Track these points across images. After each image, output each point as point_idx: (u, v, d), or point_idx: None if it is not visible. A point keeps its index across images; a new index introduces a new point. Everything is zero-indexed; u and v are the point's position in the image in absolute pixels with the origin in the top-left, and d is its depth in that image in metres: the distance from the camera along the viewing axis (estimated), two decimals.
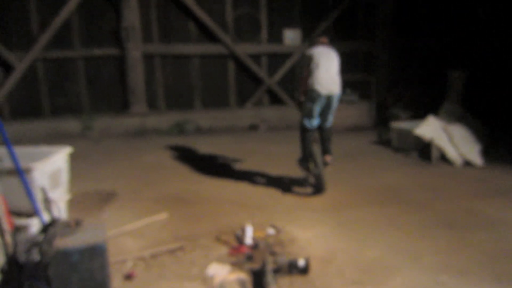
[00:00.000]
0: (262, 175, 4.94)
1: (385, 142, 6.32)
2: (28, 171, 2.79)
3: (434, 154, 5.23)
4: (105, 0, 7.27)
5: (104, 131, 7.33)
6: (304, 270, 2.74)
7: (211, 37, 7.75)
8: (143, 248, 3.19)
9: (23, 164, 2.81)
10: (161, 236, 3.39)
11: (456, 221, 3.57)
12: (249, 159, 5.63)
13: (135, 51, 7.35)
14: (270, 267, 2.69)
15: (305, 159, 4.41)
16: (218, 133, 7.48)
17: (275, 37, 8.10)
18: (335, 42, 8.15)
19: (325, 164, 4.33)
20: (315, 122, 4.33)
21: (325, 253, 3.04)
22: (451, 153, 5.17)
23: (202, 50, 7.76)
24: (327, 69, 4.11)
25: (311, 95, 4.13)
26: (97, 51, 7.44)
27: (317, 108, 4.19)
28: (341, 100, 7.25)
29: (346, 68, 8.51)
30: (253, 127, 7.77)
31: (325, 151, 4.40)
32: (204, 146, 6.47)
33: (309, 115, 4.27)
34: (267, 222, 3.56)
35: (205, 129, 7.73)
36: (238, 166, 5.33)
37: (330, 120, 4.40)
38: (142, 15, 7.45)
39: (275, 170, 5.10)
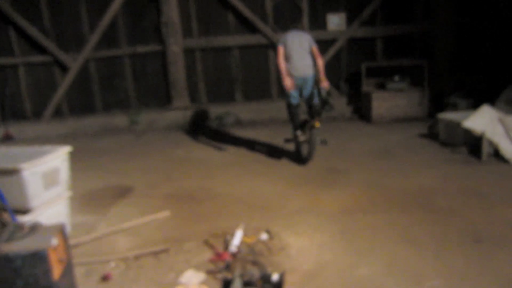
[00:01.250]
0: (285, 171, 4.63)
1: (434, 136, 5.55)
2: (16, 171, 2.89)
3: (485, 149, 4.42)
4: None
5: (149, 125, 7.57)
6: (278, 286, 2.44)
7: (250, 27, 7.51)
8: (132, 248, 3.15)
9: (14, 164, 2.93)
10: (154, 236, 3.32)
11: (490, 236, 2.93)
12: (278, 154, 5.35)
13: (175, 46, 7.42)
14: (239, 280, 2.45)
15: (295, 130, 4.91)
16: (258, 126, 7.26)
17: (318, 23, 7.58)
18: (383, 25, 7.48)
19: (313, 127, 4.75)
20: (295, 99, 4.95)
21: (312, 266, 2.70)
22: (507, 148, 4.32)
23: (241, 41, 7.55)
24: (300, 55, 4.75)
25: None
26: (141, 48, 7.66)
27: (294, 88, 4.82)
28: (388, 88, 6.64)
29: (397, 53, 7.78)
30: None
31: (312, 116, 4.81)
32: (239, 139, 6.32)
33: (289, 94, 4.89)
34: (265, 226, 3.28)
35: (245, 122, 7.57)
36: (264, 161, 5.08)
37: (314, 96, 4.86)
38: (181, 10, 7.48)
39: (299, 168, 4.75)
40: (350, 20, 7.49)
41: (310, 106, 4.88)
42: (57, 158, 3.31)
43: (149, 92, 7.93)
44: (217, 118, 7.56)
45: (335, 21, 7.51)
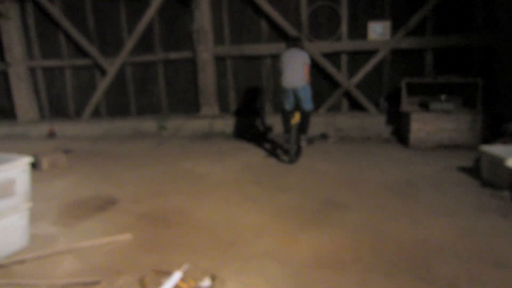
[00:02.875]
0: (279, 198, 4.02)
1: (478, 171, 4.49)
2: None
3: None
4: (181, 4, 7.25)
5: (176, 132, 7.40)
6: None
7: (284, 36, 6.93)
8: (72, 274, 2.82)
9: None
10: (100, 262, 2.96)
11: None
12: (285, 177, 4.74)
13: (205, 53, 7.14)
14: None
15: (286, 132, 5.48)
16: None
17: (358, 31, 6.75)
18: (434, 35, 6.38)
19: (298, 142, 5.45)
20: (287, 106, 5.48)
21: None
22: None
23: (274, 49, 7.01)
24: (287, 69, 5.29)
25: (280, 89, 5.50)
26: (173, 54, 7.52)
27: (286, 98, 5.44)
28: (431, 109, 5.64)
29: (449, 68, 6.58)
30: (323, 136, 6.68)
31: (300, 130, 5.50)
32: (253, 154, 5.81)
33: (282, 102, 5.54)
34: (216, 268, 2.74)
35: (272, 135, 7.03)
36: (265, 183, 4.51)
37: (306, 105, 5.43)
38: (213, 17, 7.19)
39: (295, 197, 4.10)
40: (395, 29, 6.56)
41: (300, 112, 5.46)
42: (12, 169, 3.13)
43: (179, 99, 7.77)
44: (242, 128, 7.14)
45: (378, 30, 6.62)
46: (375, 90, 6.89)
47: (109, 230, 3.47)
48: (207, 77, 7.23)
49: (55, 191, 4.57)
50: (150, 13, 7.29)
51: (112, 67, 7.72)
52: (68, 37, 7.89)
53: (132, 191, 4.45)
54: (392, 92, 6.69)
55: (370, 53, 6.69)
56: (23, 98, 8.19)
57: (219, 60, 7.35)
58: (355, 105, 6.97)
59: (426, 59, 6.49)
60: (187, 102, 7.67)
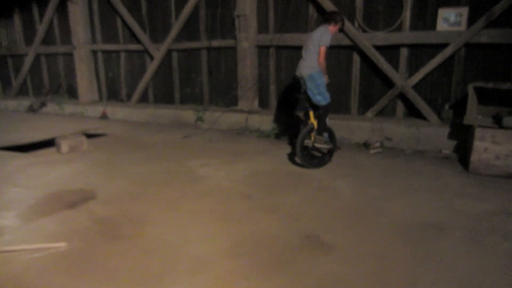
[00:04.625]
0: (259, 225, 3.25)
1: None
2: None
3: None
4: None
5: (212, 124, 6.95)
6: None
7: None
8: None
9: None
10: (11, 273, 2.62)
11: None
12: (285, 193, 3.92)
13: (245, 42, 6.45)
14: None
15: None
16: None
17: (425, 20, 5.34)
18: None
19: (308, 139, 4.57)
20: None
21: None
22: None
23: None
24: (304, 53, 4.55)
25: None
26: (216, 42, 6.99)
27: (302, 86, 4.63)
28: (505, 124, 4.20)
29: None
30: (366, 145, 5.54)
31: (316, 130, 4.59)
32: (273, 157, 5.03)
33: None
34: None
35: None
36: (257, 200, 3.75)
37: (316, 99, 4.48)
38: (258, 2, 6.42)
39: (282, 225, 3.27)
40: (473, 18, 5.02)
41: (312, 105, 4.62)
42: None
43: (220, 90, 7.24)
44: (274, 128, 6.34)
45: (451, 19, 5.15)
46: (441, 94, 5.43)
47: (57, 233, 3.16)
48: (246, 68, 6.55)
49: (51, 178, 4.45)
50: None
51: (158, 53, 7.53)
52: (124, 22, 7.91)
53: (117, 189, 4.09)
54: (461, 99, 5.20)
55: (438, 48, 5.26)
56: (84, 80, 8.55)
57: (262, 49, 6.60)
58: (413, 111, 5.62)
59: None
60: (228, 94, 7.12)
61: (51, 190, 4.08)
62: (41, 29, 8.97)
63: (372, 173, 4.47)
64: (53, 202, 3.78)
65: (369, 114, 5.85)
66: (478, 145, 4.34)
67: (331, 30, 4.45)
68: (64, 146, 5.41)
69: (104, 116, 8.19)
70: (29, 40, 9.43)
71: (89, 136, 6.39)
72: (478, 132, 4.34)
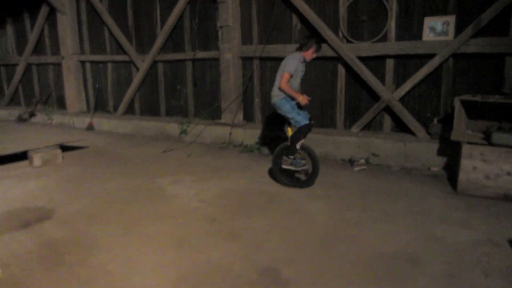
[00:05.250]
0: (214, 253, 2.92)
1: None
2: None
3: None
4: (212, 0, 6.40)
5: (196, 137, 6.65)
6: None
7: (318, 35, 5.58)
8: None
9: None
10: None
11: None
12: (253, 216, 3.59)
13: (228, 53, 6.18)
14: None
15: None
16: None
17: (411, 30, 5.02)
18: None
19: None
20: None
21: None
22: None
23: None
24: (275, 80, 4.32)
25: None
26: (200, 53, 6.74)
27: None
28: (493, 141, 3.85)
29: None
30: (351, 162, 5.19)
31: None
32: (252, 175, 4.71)
33: None
34: None
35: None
36: (221, 223, 3.43)
37: (293, 122, 4.22)
38: (242, 13, 6.17)
39: (238, 256, 2.94)
40: (461, 27, 4.70)
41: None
42: None
43: (205, 102, 6.96)
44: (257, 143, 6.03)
45: (437, 28, 4.82)
46: (429, 107, 5.09)
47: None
48: (229, 80, 6.27)
49: (14, 194, 4.19)
50: (179, 6, 6.62)
51: (143, 64, 7.30)
52: (111, 32, 7.72)
53: (79, 207, 3.81)
54: (451, 112, 4.84)
55: (425, 58, 4.94)
56: (72, 90, 8.35)
57: (246, 61, 6.33)
58: (401, 126, 5.27)
59: (506, 68, 4.48)
60: (210, 106, 6.84)
61: (9, 208, 3.81)
62: (31, 39, 8.84)
63: (352, 194, 4.12)
64: (6, 221, 3.50)
65: (354, 129, 5.51)
66: (466, 163, 3.98)
67: (304, 55, 4.20)
68: (37, 159, 5.16)
69: (90, 128, 7.96)
70: (21, 50, 9.29)
71: (69, 148, 6.16)
72: (465, 149, 3.98)
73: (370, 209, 3.69)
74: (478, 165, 3.92)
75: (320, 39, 5.38)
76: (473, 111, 4.43)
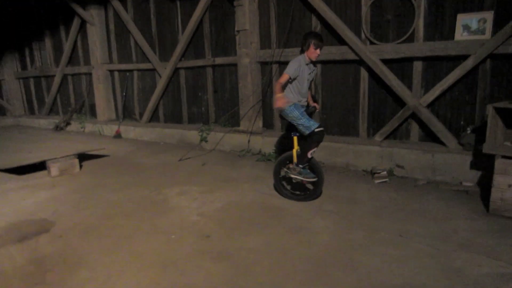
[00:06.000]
0: (196, 277, 2.75)
1: None
2: None
3: None
4: (229, 1, 6.28)
5: (216, 145, 6.57)
6: None
7: (338, 38, 5.26)
8: None
9: None
10: None
11: None
12: (251, 234, 3.38)
13: (245, 58, 6.03)
14: None
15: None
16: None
17: (441, 29, 4.55)
18: None
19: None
20: None
21: None
22: None
23: (323, 54, 5.39)
24: None
25: None
26: (220, 59, 6.65)
27: None
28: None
29: None
30: (372, 173, 4.80)
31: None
32: (262, 186, 4.50)
33: None
34: None
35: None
36: (213, 242, 3.26)
37: (300, 131, 3.97)
38: (259, 17, 5.99)
39: (217, 279, 2.74)
40: (499, 24, 4.16)
41: None
42: None
43: (225, 108, 6.87)
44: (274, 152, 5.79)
45: (472, 26, 4.32)
46: (462, 116, 4.57)
47: None
48: (247, 86, 6.11)
49: (23, 205, 4.29)
50: (197, 12, 6.59)
51: (165, 71, 7.36)
52: (136, 41, 7.89)
53: (79, 220, 3.80)
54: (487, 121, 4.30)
55: (457, 60, 4.44)
56: (101, 99, 8.64)
57: (264, 66, 6.13)
58: (430, 135, 4.79)
59: None
60: (233, 113, 6.72)
61: (15, 219, 3.90)
62: (65, 50, 9.29)
63: (366, 211, 3.76)
64: (6, 234, 3.57)
65: (377, 137, 5.10)
66: (499, 180, 3.47)
67: (308, 55, 3.92)
68: (54, 169, 5.32)
69: (117, 136, 8.17)
70: (58, 62, 9.81)
71: (90, 157, 6.32)
72: (499, 163, 3.48)
73: (382, 230, 3.32)
74: None
75: (340, 40, 5.11)
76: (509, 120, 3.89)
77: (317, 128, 3.81)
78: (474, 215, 3.55)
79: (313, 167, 3.99)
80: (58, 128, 9.47)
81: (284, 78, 3.84)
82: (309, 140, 3.87)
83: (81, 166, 5.80)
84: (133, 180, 5.11)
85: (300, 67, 3.88)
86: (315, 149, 3.89)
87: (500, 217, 3.46)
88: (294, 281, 2.61)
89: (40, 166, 5.68)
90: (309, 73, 4.01)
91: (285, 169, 4.12)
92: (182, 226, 3.57)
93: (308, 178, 3.95)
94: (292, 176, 3.99)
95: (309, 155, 3.89)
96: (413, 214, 3.64)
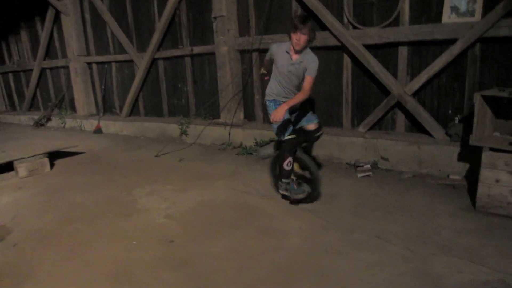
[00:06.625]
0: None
1: None
2: None
3: None
4: None
5: (196, 138, 6.33)
6: None
7: (321, 23, 4.96)
8: None
9: None
10: None
11: None
12: (212, 240, 3.16)
13: (223, 46, 5.73)
14: None
15: None
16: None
17: (428, 11, 4.27)
18: None
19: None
20: None
21: None
22: None
23: None
24: None
25: None
26: (197, 48, 6.35)
27: None
28: None
29: None
30: (356, 167, 4.57)
31: None
32: (238, 183, 4.27)
33: None
34: None
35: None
36: (174, 248, 3.04)
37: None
38: (237, 2, 5.68)
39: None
40: (489, 6, 3.88)
41: None
42: None
43: (205, 100, 6.59)
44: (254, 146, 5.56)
45: (461, 8, 4.04)
46: (451, 104, 4.32)
47: None
48: (226, 76, 5.84)
49: None
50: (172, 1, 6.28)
51: (142, 62, 7.06)
52: (112, 31, 7.57)
53: (38, 225, 3.58)
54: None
55: (445, 44, 4.17)
56: (80, 93, 8.35)
57: (244, 54, 5.85)
58: (417, 125, 4.55)
59: None
60: (213, 105, 6.45)
61: None
62: (41, 43, 8.95)
63: (343, 209, 3.54)
64: None
65: (361, 128, 4.85)
66: (486, 175, 3.24)
67: (292, 43, 3.29)
68: (22, 170, 5.07)
69: (98, 131, 7.90)
70: (36, 55, 9.48)
71: (65, 155, 6.07)
72: (486, 157, 3.24)
73: (359, 230, 3.10)
74: (503, 178, 3.17)
75: (322, 25, 4.84)
76: (506, 109, 3.64)
77: (288, 136, 3.39)
78: (459, 213, 3.33)
79: (304, 165, 3.65)
80: (38, 125, 9.19)
81: (264, 61, 3.68)
82: (280, 149, 3.50)
83: (53, 165, 5.56)
84: (103, 178, 4.87)
85: (279, 51, 3.38)
86: (289, 159, 3.40)
87: (487, 215, 3.24)
88: None
89: (10, 167, 5.44)
90: (292, 65, 3.35)
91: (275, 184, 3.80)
92: (147, 230, 3.35)
93: (296, 196, 3.53)
94: (282, 192, 3.59)
95: (286, 167, 3.43)
96: (394, 212, 3.42)
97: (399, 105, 4.56)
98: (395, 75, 4.56)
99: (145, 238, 3.19)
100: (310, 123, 3.68)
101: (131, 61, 7.40)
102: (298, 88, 3.46)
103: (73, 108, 9.00)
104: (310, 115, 3.71)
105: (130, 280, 2.61)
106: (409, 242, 2.88)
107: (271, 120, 3.22)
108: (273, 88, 3.54)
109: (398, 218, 3.29)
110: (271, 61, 3.55)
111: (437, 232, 3.02)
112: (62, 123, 8.86)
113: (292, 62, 3.35)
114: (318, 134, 3.74)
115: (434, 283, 2.37)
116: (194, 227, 3.34)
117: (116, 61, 7.75)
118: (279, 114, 3.12)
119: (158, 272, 2.68)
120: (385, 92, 4.66)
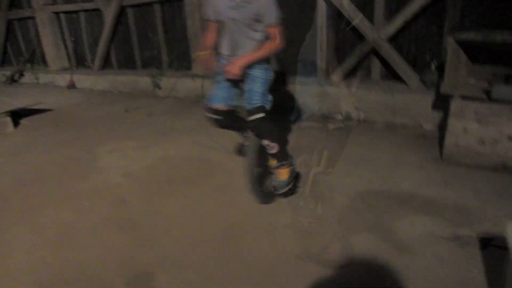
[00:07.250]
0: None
1: None
2: None
3: None
4: None
5: (170, 91, 6.10)
6: None
7: None
8: None
9: None
10: None
11: None
12: (164, 202, 3.07)
13: None
14: None
15: None
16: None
17: None
18: None
19: None
20: None
21: None
22: None
23: None
24: None
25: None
26: None
27: None
28: (494, 96, 2.94)
29: None
30: (326, 119, 4.40)
31: None
32: (204, 137, 4.13)
33: None
34: None
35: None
36: (129, 209, 2.96)
37: None
38: None
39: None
40: None
41: None
42: None
43: (176, 50, 6.26)
44: None
45: None
46: (429, 50, 4.05)
47: None
48: (195, 24, 5.47)
49: None
50: None
51: (109, 9, 6.61)
52: None
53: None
54: None
55: None
56: (50, 46, 7.95)
57: None
58: (393, 73, 4.30)
59: None
60: (182, 55, 6.13)
61: None
62: None
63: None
64: None
65: (335, 77, 4.61)
66: (454, 124, 3.09)
67: None
68: None
69: (72, 86, 7.62)
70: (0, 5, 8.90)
71: (33, 113, 5.86)
72: (455, 105, 3.06)
73: (317, 185, 3.00)
74: (471, 127, 3.01)
75: None
76: (482, 53, 3.38)
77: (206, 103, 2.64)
78: (425, 164, 3.22)
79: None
80: (10, 81, 8.85)
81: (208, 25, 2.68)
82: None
83: (18, 124, 5.37)
84: (68, 137, 4.71)
85: (215, 1, 2.49)
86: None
87: (453, 165, 3.12)
88: (198, 253, 2.33)
89: None
90: (233, 9, 2.39)
91: None
92: (101, 190, 3.25)
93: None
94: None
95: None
96: (358, 164, 3.30)
97: (375, 52, 4.28)
98: (371, 19, 4.23)
99: (98, 200, 3.09)
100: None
101: (99, 9, 6.94)
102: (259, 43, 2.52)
103: (46, 63, 8.62)
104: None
105: (72, 245, 2.53)
106: (366, 194, 2.79)
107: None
108: (221, 45, 2.61)
109: (361, 170, 3.18)
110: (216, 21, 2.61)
111: (397, 184, 2.92)
112: (36, 79, 8.52)
113: (232, 5, 2.38)
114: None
115: (384, 238, 2.30)
116: (149, 186, 3.24)
117: (84, 10, 7.27)
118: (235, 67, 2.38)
119: (103, 234, 2.61)
120: (361, 38, 4.36)
